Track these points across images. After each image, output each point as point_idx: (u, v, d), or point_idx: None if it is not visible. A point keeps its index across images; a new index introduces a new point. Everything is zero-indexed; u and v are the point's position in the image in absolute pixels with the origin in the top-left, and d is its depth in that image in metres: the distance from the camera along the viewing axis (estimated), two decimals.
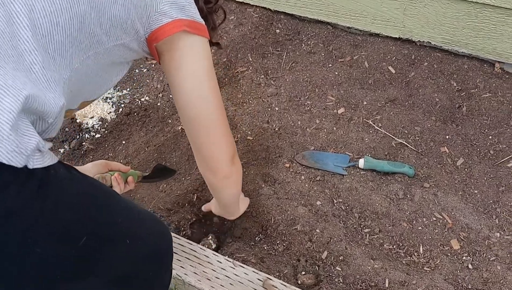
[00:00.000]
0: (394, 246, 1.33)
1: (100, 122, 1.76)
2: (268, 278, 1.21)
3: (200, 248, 1.29)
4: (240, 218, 1.43)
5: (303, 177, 1.51)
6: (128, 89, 1.88)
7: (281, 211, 1.42)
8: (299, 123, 1.66)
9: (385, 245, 1.33)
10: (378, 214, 1.40)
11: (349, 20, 1.91)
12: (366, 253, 1.31)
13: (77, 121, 1.76)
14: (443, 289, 1.22)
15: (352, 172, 1.50)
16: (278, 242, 1.36)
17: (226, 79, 1.85)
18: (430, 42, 1.81)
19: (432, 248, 1.32)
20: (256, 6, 2.10)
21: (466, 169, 1.48)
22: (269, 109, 1.72)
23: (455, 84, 1.72)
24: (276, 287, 1.19)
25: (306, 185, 1.49)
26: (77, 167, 1.19)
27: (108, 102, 1.83)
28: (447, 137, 1.57)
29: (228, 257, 1.29)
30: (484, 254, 1.29)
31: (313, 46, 1.93)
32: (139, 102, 1.82)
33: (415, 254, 1.31)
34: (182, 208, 1.47)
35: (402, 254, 1.32)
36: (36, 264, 0.68)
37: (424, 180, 1.46)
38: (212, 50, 1.91)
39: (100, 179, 1.18)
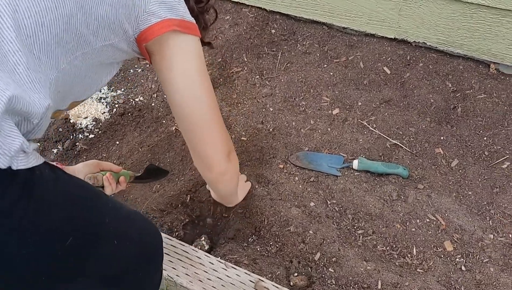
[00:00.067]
0: (387, 248, 1.33)
1: (94, 122, 1.75)
2: (260, 279, 1.20)
3: (192, 249, 1.28)
4: (233, 219, 1.42)
5: (297, 178, 1.50)
6: (123, 89, 1.87)
7: (275, 212, 1.41)
8: (293, 123, 1.66)
9: (378, 247, 1.33)
10: (372, 216, 1.39)
11: (345, 21, 1.91)
12: (359, 254, 1.31)
13: (71, 121, 1.76)
14: None
15: (346, 173, 1.50)
16: (271, 243, 1.36)
17: (221, 80, 1.85)
18: (425, 43, 1.81)
19: (425, 249, 1.31)
20: (252, 6, 2.10)
21: (460, 171, 1.48)
22: (264, 110, 1.71)
23: (450, 85, 1.71)
24: (268, 289, 1.19)
25: (300, 186, 1.48)
26: (68, 167, 1.19)
27: (102, 102, 1.82)
28: (442, 138, 1.56)
29: (220, 258, 1.29)
30: (477, 256, 1.29)
31: (309, 46, 1.92)
32: (133, 102, 1.81)
33: (408, 255, 1.31)
34: (175, 209, 1.46)
35: (395, 256, 1.31)
36: (21, 265, 0.67)
37: (418, 181, 1.46)
38: (207, 51, 1.91)
39: (92, 179, 1.17)
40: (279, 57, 1.90)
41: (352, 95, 1.72)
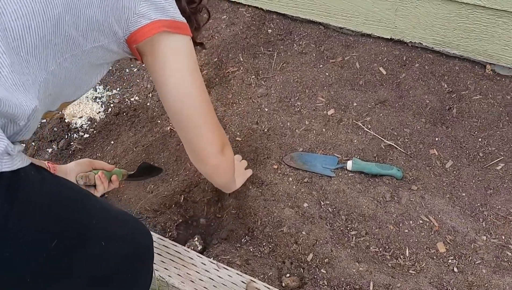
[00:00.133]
0: (380, 249, 1.33)
1: (89, 122, 1.75)
2: (251, 280, 1.20)
3: (185, 250, 1.28)
4: (227, 220, 1.42)
5: (290, 179, 1.50)
6: (118, 89, 1.87)
7: (268, 213, 1.41)
8: (288, 124, 1.65)
9: (371, 248, 1.33)
10: (365, 217, 1.39)
11: (341, 21, 1.90)
12: (351, 255, 1.31)
13: (66, 120, 1.76)
14: None
15: (340, 174, 1.50)
16: (264, 244, 1.36)
17: (217, 79, 1.85)
18: (422, 43, 1.80)
19: (418, 251, 1.31)
20: (249, 5, 2.09)
21: (454, 172, 1.48)
22: (259, 110, 1.71)
23: (445, 85, 1.71)
24: None
25: (294, 187, 1.48)
26: (60, 166, 1.19)
27: (98, 102, 1.82)
28: (437, 139, 1.56)
29: (213, 258, 1.29)
30: (470, 258, 1.29)
31: (305, 46, 1.92)
32: (129, 102, 1.81)
33: (401, 257, 1.31)
34: (168, 209, 1.46)
35: (388, 257, 1.31)
36: (5, 267, 0.67)
37: (412, 182, 1.46)
38: (203, 51, 1.91)
39: (84, 178, 1.18)
40: (275, 57, 1.89)
41: (347, 95, 1.71)
